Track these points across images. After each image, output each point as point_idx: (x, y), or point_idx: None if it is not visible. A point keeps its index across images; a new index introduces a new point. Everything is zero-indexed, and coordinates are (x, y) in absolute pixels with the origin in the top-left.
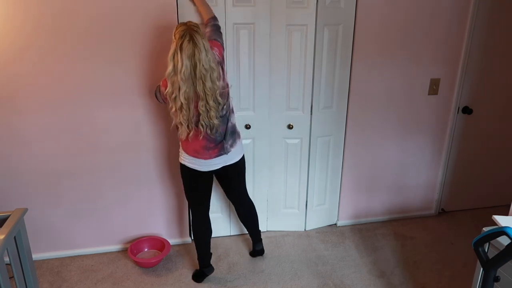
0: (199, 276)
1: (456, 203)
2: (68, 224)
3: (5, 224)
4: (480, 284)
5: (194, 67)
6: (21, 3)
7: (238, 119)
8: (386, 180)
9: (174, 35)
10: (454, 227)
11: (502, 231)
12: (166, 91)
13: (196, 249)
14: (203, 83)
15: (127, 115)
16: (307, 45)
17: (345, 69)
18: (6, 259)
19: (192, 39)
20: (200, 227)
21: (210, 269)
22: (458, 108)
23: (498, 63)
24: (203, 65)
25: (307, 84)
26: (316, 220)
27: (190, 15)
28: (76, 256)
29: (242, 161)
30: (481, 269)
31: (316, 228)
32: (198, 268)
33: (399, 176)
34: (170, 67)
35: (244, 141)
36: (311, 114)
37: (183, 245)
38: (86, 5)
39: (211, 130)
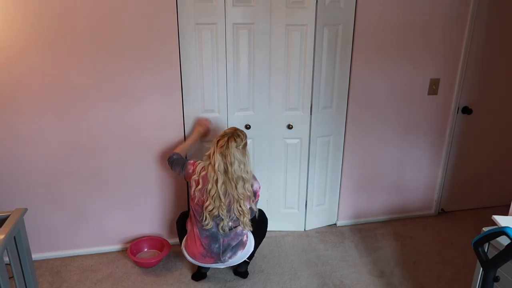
0: (198, 276)
1: (456, 203)
2: (68, 224)
3: (5, 224)
4: (480, 284)
5: (225, 167)
6: (21, 4)
7: (238, 118)
8: (385, 180)
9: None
10: (454, 227)
11: (502, 231)
12: (200, 173)
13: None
14: (236, 187)
15: (127, 116)
16: (306, 45)
17: (344, 69)
18: (6, 259)
19: (228, 143)
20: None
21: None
22: (458, 108)
23: (498, 63)
24: (234, 171)
25: (306, 84)
26: (316, 220)
27: (189, 14)
28: (76, 256)
29: (244, 261)
30: (481, 269)
31: (316, 228)
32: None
33: (399, 176)
34: (210, 151)
35: None
36: (311, 114)
37: None
38: (85, 6)
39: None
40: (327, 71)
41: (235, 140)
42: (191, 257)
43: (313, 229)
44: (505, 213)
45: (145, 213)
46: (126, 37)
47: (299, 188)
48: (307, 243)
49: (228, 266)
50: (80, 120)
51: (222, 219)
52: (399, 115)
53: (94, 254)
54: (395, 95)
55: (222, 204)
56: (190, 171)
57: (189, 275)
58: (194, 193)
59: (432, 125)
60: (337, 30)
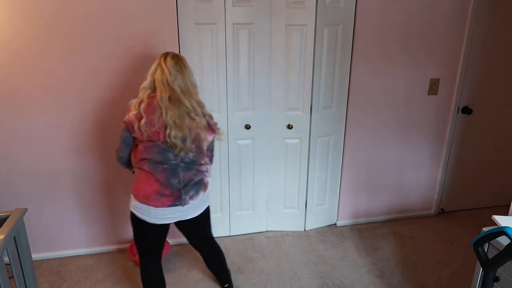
0: None
1: (455, 203)
2: (67, 224)
3: (4, 224)
4: (480, 284)
5: (181, 80)
6: (20, 2)
7: (238, 118)
8: (385, 180)
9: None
10: (453, 227)
11: (501, 231)
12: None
13: None
14: (191, 99)
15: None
16: (306, 45)
17: (344, 69)
18: (6, 259)
19: (176, 56)
20: (150, 281)
21: None
22: (458, 108)
23: (498, 63)
24: (189, 80)
25: (306, 84)
26: (316, 220)
27: (189, 14)
28: (75, 256)
29: (204, 213)
30: (481, 269)
31: (316, 228)
32: None
33: (399, 176)
34: (148, 80)
35: (244, 141)
36: (311, 114)
37: (183, 245)
38: (85, 5)
39: (181, 150)
40: (327, 71)
41: (180, 57)
42: (142, 200)
43: (313, 229)
44: (505, 213)
45: None
46: (126, 37)
47: (299, 188)
48: (307, 243)
49: (187, 217)
50: (80, 120)
51: (186, 139)
52: (399, 115)
53: (94, 254)
54: (395, 95)
55: (187, 125)
56: (127, 118)
57: (189, 275)
58: (140, 130)
59: (432, 125)
60: (337, 30)
